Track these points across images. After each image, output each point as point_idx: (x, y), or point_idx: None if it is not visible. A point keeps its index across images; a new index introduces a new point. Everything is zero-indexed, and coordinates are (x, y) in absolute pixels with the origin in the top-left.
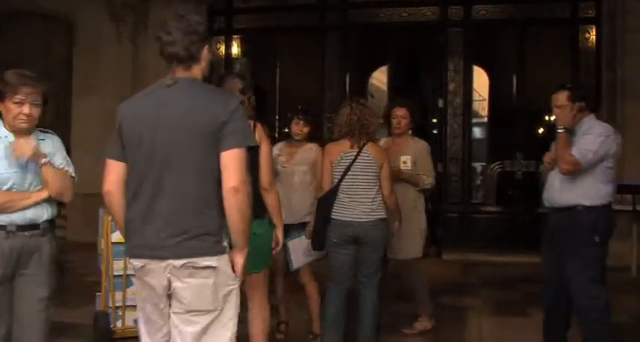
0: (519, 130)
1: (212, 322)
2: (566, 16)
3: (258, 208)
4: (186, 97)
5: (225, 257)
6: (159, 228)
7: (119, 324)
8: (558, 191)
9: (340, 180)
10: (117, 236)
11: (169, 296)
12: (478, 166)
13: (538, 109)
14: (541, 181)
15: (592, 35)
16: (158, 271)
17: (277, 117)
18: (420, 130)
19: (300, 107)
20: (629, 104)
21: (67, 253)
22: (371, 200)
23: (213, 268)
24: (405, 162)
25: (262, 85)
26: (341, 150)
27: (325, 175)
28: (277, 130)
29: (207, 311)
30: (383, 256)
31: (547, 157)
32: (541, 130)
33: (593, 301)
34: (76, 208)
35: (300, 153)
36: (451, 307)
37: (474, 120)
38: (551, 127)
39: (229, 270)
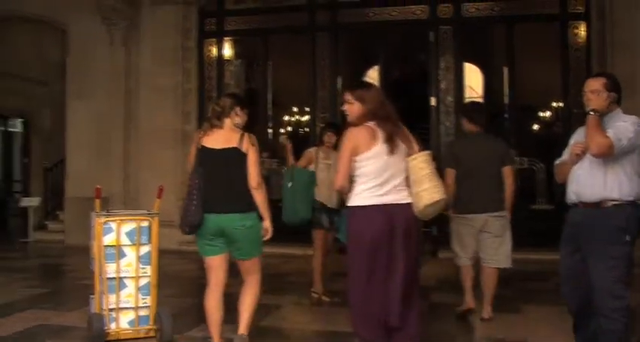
0: (513, 127)
1: (502, 239)
2: (556, 11)
3: (247, 204)
4: (484, 140)
5: (505, 211)
6: (477, 198)
7: (113, 326)
8: (585, 184)
9: None
10: (109, 239)
11: (481, 230)
12: None
13: (530, 105)
14: (556, 175)
15: (581, 31)
16: (479, 219)
17: (270, 115)
18: (410, 129)
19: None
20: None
21: (64, 256)
22: None
23: (504, 216)
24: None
25: (254, 86)
26: None
27: None
28: (271, 128)
29: (500, 235)
30: None
31: (577, 149)
32: (536, 127)
33: (616, 301)
34: (73, 212)
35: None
36: (445, 305)
37: None
38: (545, 123)
39: (506, 217)
